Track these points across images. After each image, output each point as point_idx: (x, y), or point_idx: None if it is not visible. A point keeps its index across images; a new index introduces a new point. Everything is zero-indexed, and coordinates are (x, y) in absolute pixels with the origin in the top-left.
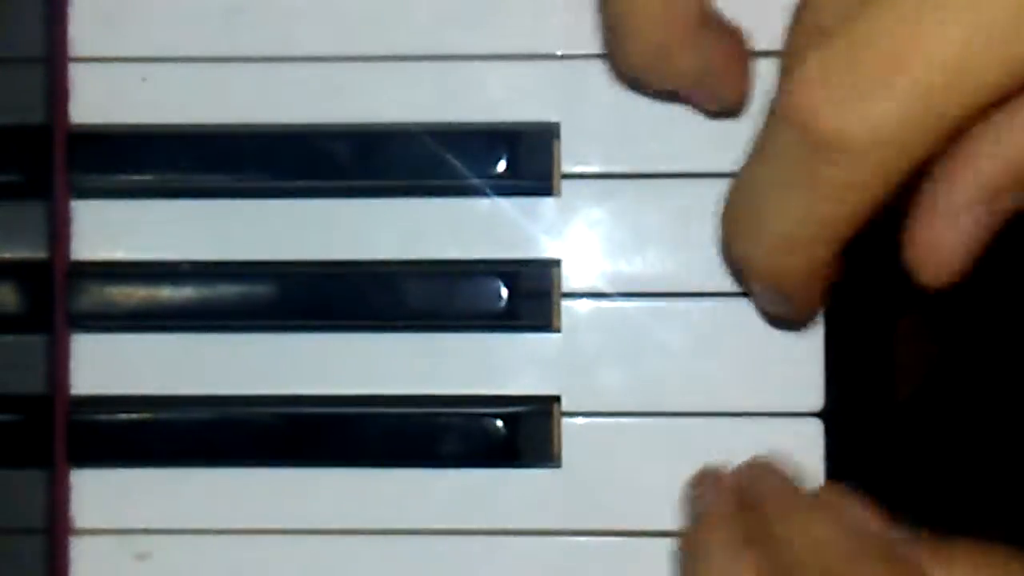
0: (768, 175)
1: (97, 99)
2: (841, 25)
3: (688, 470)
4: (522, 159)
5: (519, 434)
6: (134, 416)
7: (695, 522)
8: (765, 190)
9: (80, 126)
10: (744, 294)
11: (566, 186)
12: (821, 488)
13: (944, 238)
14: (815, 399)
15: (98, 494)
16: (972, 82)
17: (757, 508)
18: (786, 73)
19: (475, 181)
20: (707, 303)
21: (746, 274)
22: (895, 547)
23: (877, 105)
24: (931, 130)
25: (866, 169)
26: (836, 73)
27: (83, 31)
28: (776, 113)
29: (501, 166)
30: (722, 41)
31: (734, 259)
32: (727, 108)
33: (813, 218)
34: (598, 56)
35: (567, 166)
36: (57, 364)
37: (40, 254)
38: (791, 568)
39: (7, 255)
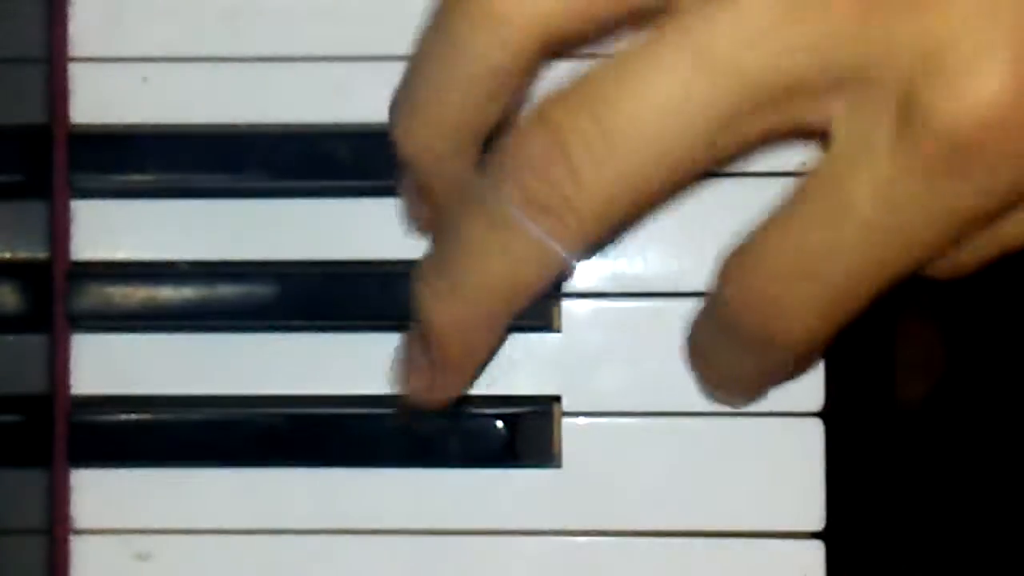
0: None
1: (97, 99)
2: None
3: (688, 470)
4: None
5: (519, 434)
6: (134, 416)
7: None
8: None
9: (80, 126)
10: None
11: None
12: None
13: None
14: (815, 399)
15: (98, 494)
16: None
17: None
18: None
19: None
20: None
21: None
22: None
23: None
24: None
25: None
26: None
27: (83, 31)
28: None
29: None
30: None
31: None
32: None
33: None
34: (598, 56)
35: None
36: (57, 364)
37: (40, 254)
38: None
39: (7, 255)
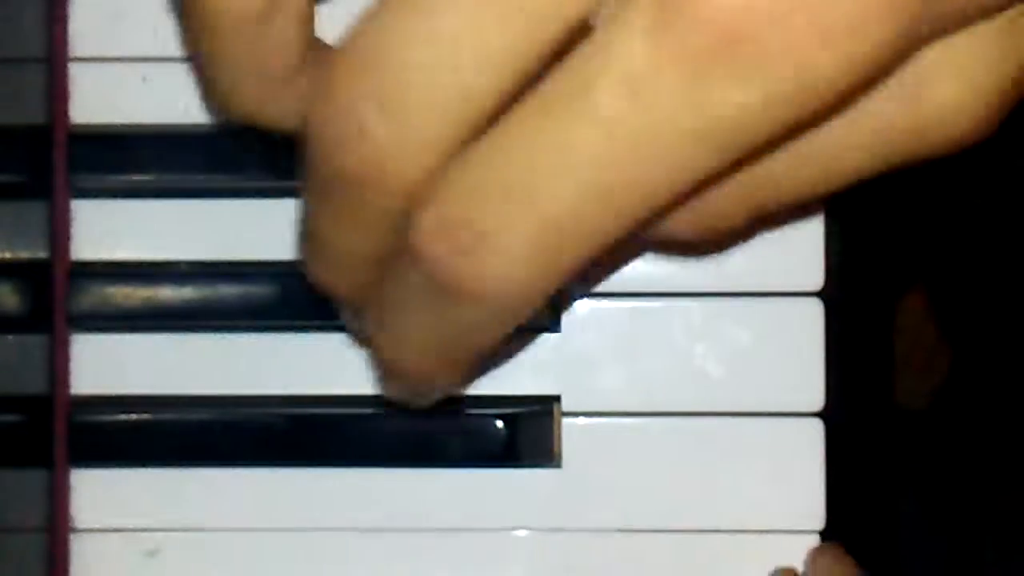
0: (399, 294)
1: (97, 99)
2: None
3: (688, 470)
4: None
5: (519, 434)
6: (134, 416)
7: None
8: (400, 308)
9: (80, 126)
10: (744, 294)
11: None
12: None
13: None
14: (815, 399)
15: (98, 494)
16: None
17: None
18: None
19: None
20: (707, 303)
21: (386, 369)
22: None
23: (501, 254)
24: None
25: (502, 310)
26: (455, 225)
27: (83, 31)
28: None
29: None
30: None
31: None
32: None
33: (452, 343)
34: None
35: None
36: (57, 364)
37: (40, 254)
38: None
39: (7, 255)
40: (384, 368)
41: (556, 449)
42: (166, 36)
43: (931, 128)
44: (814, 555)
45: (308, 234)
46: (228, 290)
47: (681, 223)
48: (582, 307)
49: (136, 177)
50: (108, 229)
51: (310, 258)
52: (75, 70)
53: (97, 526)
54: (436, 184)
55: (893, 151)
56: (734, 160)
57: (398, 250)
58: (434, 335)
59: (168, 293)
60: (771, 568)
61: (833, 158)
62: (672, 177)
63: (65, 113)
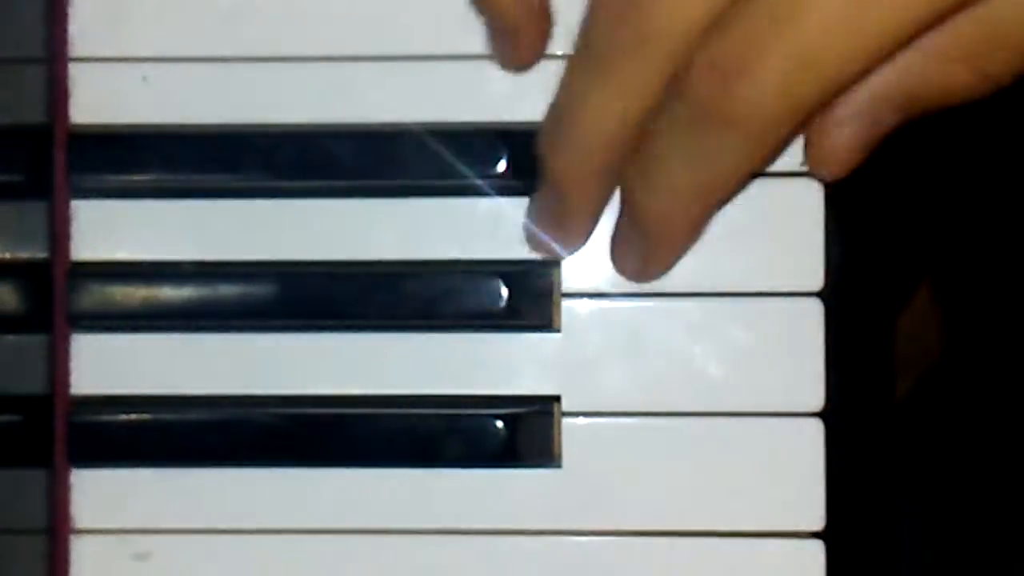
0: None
1: (97, 99)
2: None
3: (688, 470)
4: (522, 159)
5: (519, 434)
6: (134, 416)
7: None
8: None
9: (80, 126)
10: (744, 294)
11: None
12: None
13: (836, 142)
14: (815, 399)
15: (98, 494)
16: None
17: None
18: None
19: (475, 181)
20: (707, 303)
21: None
22: None
23: (757, 84)
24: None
25: (755, 136)
26: (721, 60)
27: (83, 31)
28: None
29: (501, 166)
30: None
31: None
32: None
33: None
34: None
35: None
36: (57, 364)
37: (40, 254)
38: None
39: (7, 255)
40: (647, 228)
41: (556, 449)
42: (166, 36)
43: None
44: None
45: (571, 120)
46: (228, 290)
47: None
48: (582, 307)
49: (136, 177)
50: (108, 229)
51: (567, 149)
52: (75, 70)
53: (97, 526)
54: (706, 36)
55: None
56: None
57: (666, 99)
58: (696, 176)
59: (168, 293)
60: (771, 568)
61: None
62: (899, 14)
63: (65, 113)
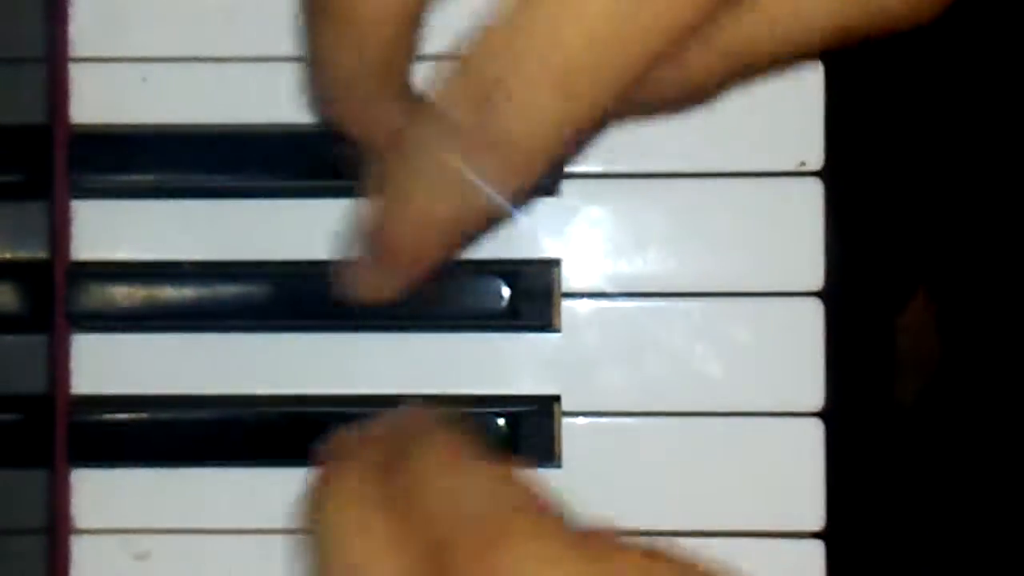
0: None
1: (97, 99)
2: None
3: (688, 470)
4: None
5: (520, 434)
6: (134, 416)
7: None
8: None
9: (80, 126)
10: (744, 294)
11: (566, 186)
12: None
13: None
14: (815, 399)
15: (98, 494)
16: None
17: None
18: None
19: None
20: (707, 303)
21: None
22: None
23: (527, 105)
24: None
25: (524, 158)
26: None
27: (83, 31)
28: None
29: None
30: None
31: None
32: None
33: None
34: None
35: (568, 166)
36: (57, 364)
37: (40, 254)
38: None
39: (7, 255)
40: (377, 235)
41: (556, 449)
42: (166, 36)
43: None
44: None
45: (312, 62)
46: (228, 290)
47: (668, 81)
48: (582, 307)
49: (136, 177)
50: (108, 229)
51: (318, 89)
52: (75, 70)
53: (97, 526)
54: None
55: (850, 16)
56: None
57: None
58: (450, 203)
59: (168, 293)
60: (771, 568)
61: (797, 19)
62: (665, 21)
63: (65, 113)
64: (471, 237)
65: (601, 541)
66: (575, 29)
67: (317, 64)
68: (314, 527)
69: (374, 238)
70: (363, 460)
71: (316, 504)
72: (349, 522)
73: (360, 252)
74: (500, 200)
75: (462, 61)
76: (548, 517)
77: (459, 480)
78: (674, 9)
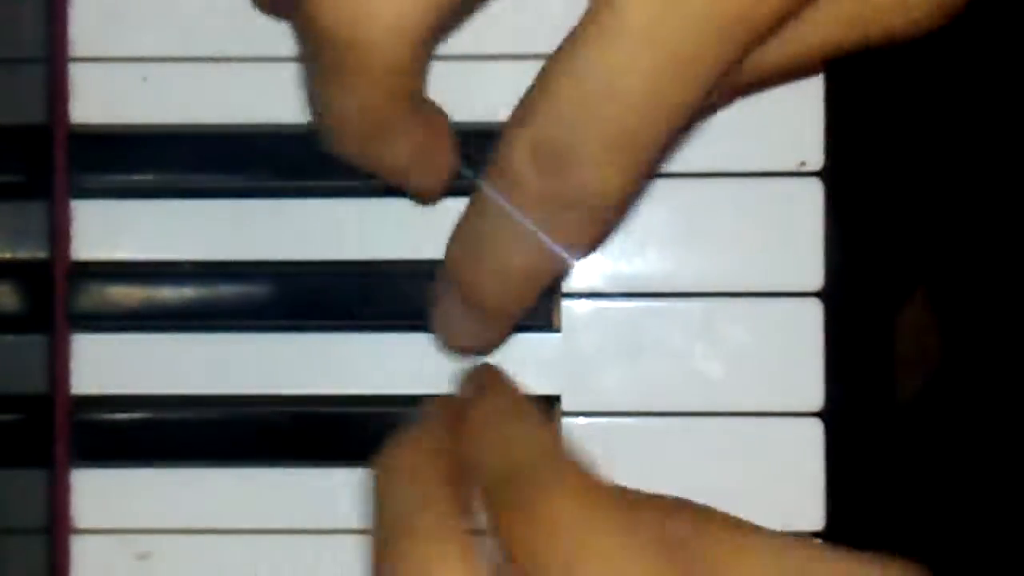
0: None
1: (97, 99)
2: None
3: (688, 470)
4: None
5: None
6: (134, 416)
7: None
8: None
9: (80, 126)
10: (744, 294)
11: None
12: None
13: None
14: (815, 399)
15: (98, 494)
16: None
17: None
18: None
19: (476, 181)
20: (707, 303)
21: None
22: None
23: (586, 162)
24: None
25: (598, 210)
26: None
27: (83, 31)
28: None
29: None
30: (432, 123)
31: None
32: (426, 194)
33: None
34: None
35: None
36: (57, 364)
37: (40, 254)
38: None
39: (7, 255)
40: (484, 309)
41: None
42: (166, 36)
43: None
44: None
45: (322, 111)
46: (228, 290)
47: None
48: (582, 307)
49: (136, 177)
50: (108, 229)
51: (327, 131)
52: (75, 70)
53: (97, 526)
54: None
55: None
56: (747, 43)
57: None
58: (529, 258)
59: (168, 293)
60: None
61: (818, 30)
62: (699, 69)
63: (65, 113)
64: (545, 287)
65: (636, 493)
66: (625, 94)
67: (328, 113)
68: (373, 482)
69: (462, 293)
70: (427, 427)
71: (379, 464)
72: (403, 469)
73: (449, 304)
74: (575, 252)
75: (527, 127)
76: (591, 471)
77: (510, 430)
78: (710, 55)
